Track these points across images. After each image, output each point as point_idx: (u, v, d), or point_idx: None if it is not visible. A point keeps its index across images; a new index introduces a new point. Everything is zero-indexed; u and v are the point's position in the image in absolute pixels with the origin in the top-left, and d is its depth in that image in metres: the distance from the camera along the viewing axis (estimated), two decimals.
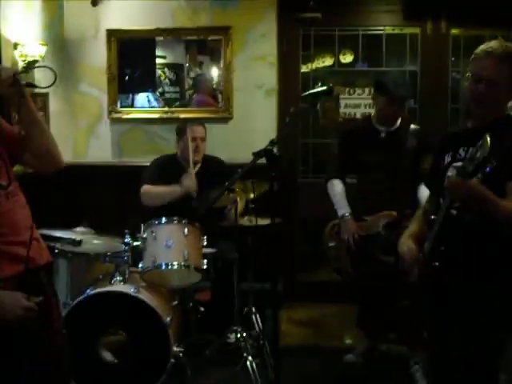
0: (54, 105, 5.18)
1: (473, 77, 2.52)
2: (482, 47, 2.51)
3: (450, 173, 2.55)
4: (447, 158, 2.63)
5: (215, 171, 4.50)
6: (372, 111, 5.47)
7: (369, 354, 4.21)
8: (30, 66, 4.50)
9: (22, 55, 4.67)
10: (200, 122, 4.69)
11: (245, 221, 4.19)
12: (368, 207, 4.05)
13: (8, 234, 2.31)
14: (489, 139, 2.25)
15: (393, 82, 4.03)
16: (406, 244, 2.72)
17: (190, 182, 4.35)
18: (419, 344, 3.81)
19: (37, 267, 2.40)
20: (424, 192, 3.72)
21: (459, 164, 2.47)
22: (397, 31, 5.53)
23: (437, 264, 2.53)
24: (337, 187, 4.17)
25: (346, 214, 4.08)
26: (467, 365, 2.47)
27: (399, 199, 3.95)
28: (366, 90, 5.52)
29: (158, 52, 5.60)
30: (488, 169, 2.32)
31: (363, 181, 4.17)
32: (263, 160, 2.85)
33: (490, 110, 2.53)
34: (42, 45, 4.87)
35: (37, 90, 4.22)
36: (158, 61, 5.61)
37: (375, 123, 4.09)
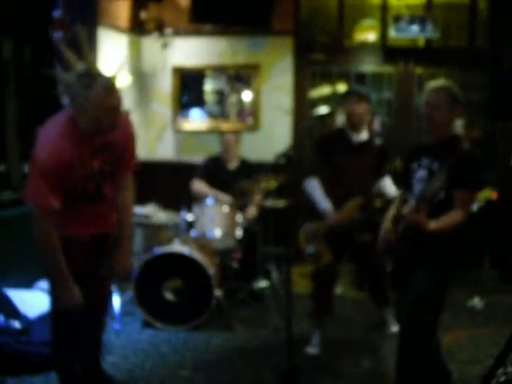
0: (134, 118, 5.00)
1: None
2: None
3: (411, 200, 2.45)
4: (414, 164, 2.54)
5: (248, 170, 4.38)
6: None
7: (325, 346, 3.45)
8: None
9: None
10: (233, 133, 4.56)
11: (268, 203, 4.20)
12: (339, 200, 3.39)
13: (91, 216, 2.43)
14: (444, 174, 2.24)
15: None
16: (386, 226, 2.62)
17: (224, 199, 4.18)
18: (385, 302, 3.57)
19: (103, 233, 2.48)
20: (387, 182, 3.58)
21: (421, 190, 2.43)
22: (378, 69, 5.40)
23: (405, 244, 2.49)
24: (315, 185, 3.47)
25: (329, 208, 3.38)
26: (423, 296, 2.43)
27: (365, 191, 3.45)
28: None
29: (207, 81, 5.60)
30: (442, 194, 2.34)
31: (336, 179, 3.46)
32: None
33: (438, 130, 2.48)
34: (127, 76, 4.86)
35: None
36: (207, 87, 5.60)
37: (348, 132, 3.44)
